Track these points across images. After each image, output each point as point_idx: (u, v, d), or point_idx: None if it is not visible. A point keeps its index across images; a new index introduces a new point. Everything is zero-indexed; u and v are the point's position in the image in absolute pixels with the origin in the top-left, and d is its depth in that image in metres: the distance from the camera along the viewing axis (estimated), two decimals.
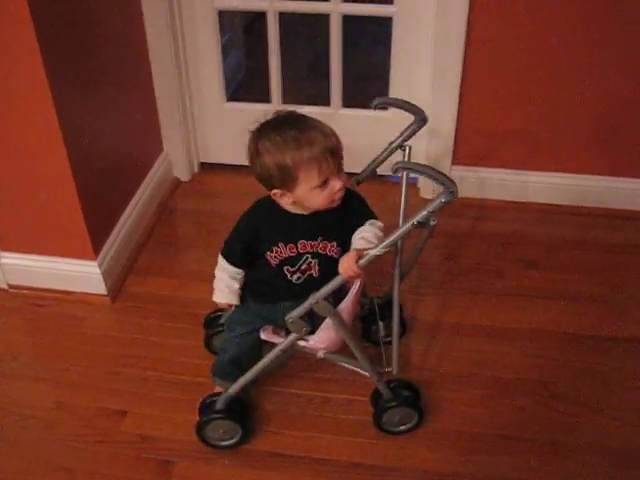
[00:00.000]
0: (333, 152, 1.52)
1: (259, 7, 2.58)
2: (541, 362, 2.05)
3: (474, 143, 2.61)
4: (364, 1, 2.81)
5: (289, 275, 1.68)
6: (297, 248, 1.64)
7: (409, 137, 1.76)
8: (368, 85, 3.27)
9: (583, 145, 2.57)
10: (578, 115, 2.50)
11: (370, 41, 3.58)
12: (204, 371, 1.93)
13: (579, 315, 2.21)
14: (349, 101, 2.71)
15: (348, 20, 2.51)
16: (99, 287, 2.25)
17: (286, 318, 1.61)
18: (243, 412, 1.84)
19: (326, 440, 1.86)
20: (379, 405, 1.85)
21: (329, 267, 1.62)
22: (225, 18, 3.15)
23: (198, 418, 1.82)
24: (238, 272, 1.74)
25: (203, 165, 2.91)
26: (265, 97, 2.73)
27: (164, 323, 2.19)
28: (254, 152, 1.55)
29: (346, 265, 1.52)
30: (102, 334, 2.18)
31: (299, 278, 1.68)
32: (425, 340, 2.12)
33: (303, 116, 1.57)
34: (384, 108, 1.79)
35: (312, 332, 1.67)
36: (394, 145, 1.78)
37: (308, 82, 3.30)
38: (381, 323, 1.93)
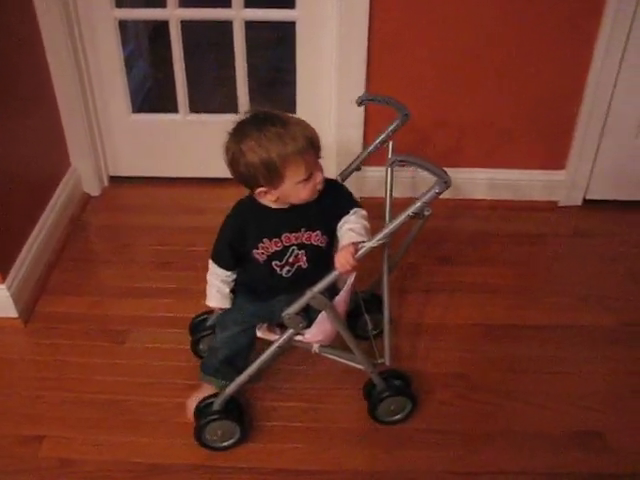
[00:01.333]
0: (314, 145, 1.55)
1: (161, 16, 2.55)
2: (459, 355, 2.09)
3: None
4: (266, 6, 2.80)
5: (278, 270, 1.69)
6: (282, 242, 1.66)
7: (393, 133, 1.79)
8: (276, 90, 3.28)
9: (492, 139, 2.65)
10: (488, 110, 2.58)
11: (276, 46, 3.59)
12: (123, 389, 1.89)
13: (493, 307, 2.27)
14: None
15: (252, 25, 2.50)
16: (9, 310, 2.17)
17: (283, 315, 1.62)
18: (240, 411, 1.84)
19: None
20: (373, 397, 1.87)
21: (317, 256, 1.68)
22: (129, 28, 3.11)
23: (195, 423, 1.81)
24: (229, 275, 1.74)
25: (113, 179, 2.84)
26: (173, 107, 2.70)
27: (80, 342, 2.13)
28: (237, 152, 1.55)
29: (343, 260, 1.53)
30: (16, 358, 2.11)
31: (289, 271, 1.70)
32: None
33: (279, 113, 1.58)
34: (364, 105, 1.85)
35: (307, 327, 1.69)
36: (378, 141, 1.81)
37: (215, 90, 3.28)
38: (367, 316, 1.96)
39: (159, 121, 2.69)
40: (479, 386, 2.01)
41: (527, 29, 2.40)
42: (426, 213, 1.53)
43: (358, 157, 1.86)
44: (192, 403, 1.87)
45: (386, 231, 1.52)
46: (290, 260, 1.69)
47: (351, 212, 1.65)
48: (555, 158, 2.69)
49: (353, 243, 1.55)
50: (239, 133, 1.56)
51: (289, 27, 2.52)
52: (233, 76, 2.61)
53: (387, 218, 1.67)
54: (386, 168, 1.71)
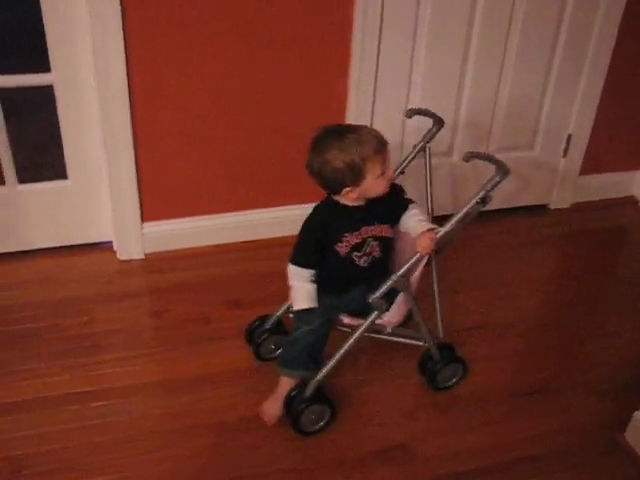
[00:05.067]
0: (383, 144, 1.84)
1: None
2: (259, 397, 2.07)
3: (161, 197, 2.65)
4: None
5: (357, 260, 1.94)
6: (361, 234, 1.91)
7: (430, 139, 2.13)
8: (48, 153, 3.15)
9: (254, 180, 2.73)
10: (243, 154, 2.65)
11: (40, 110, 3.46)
12: None
13: None
14: (26, 174, 2.61)
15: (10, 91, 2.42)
16: None
17: (370, 300, 1.87)
18: (327, 394, 2.01)
19: None
20: (430, 368, 2.16)
21: (386, 246, 1.98)
22: None
23: (289, 414, 1.97)
24: (312, 274, 1.94)
25: None
26: None
27: None
28: (323, 162, 1.82)
29: (425, 244, 1.85)
30: None
31: (366, 261, 1.95)
32: (129, 402, 2.09)
33: (347, 124, 1.98)
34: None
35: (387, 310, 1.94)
36: (418, 147, 2.15)
37: None
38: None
39: None
40: (282, 425, 2.01)
41: (286, 75, 2.53)
42: (488, 200, 1.85)
43: (403, 161, 2.15)
44: (269, 405, 2.01)
45: (457, 217, 1.87)
46: (367, 250, 1.93)
47: (410, 207, 1.97)
48: None
49: (431, 229, 1.86)
50: (320, 147, 1.83)
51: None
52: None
53: (429, 207, 2.12)
54: (425, 164, 2.14)
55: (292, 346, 2.00)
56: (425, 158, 2.16)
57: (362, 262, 1.95)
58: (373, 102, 2.66)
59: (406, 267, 1.88)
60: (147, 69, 2.38)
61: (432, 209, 2.16)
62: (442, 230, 1.87)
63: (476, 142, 2.90)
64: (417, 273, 1.93)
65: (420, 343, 2.13)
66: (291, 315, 2.09)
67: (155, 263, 2.69)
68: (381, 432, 2.05)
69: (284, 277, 2.56)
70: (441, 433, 2.06)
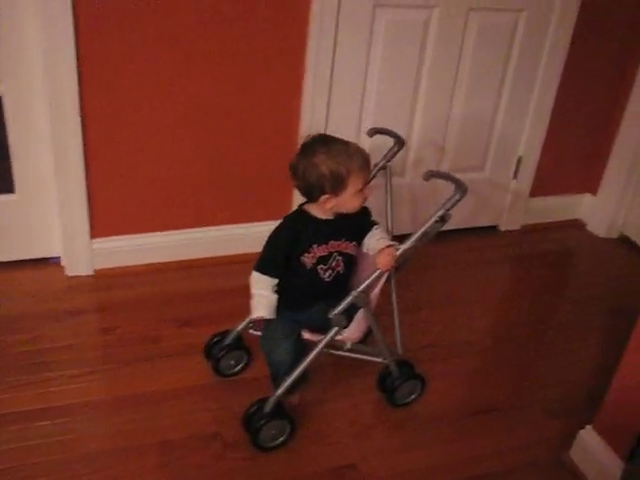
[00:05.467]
0: (368, 163, 1.91)
1: None
2: (209, 415, 2.08)
3: (111, 213, 2.62)
4: None
5: (322, 273, 1.96)
6: (328, 247, 1.94)
7: (390, 159, 2.17)
8: None
9: (206, 198, 2.72)
10: (194, 172, 2.64)
11: None
12: None
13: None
14: None
15: None
16: None
17: (330, 315, 1.89)
18: (286, 410, 2.00)
19: None
20: (389, 385, 2.17)
21: (350, 263, 2.02)
22: None
23: (248, 430, 1.97)
24: (275, 283, 1.94)
25: None
26: None
27: None
28: (309, 166, 1.85)
29: (385, 261, 1.89)
30: None
31: (330, 275, 1.98)
32: (74, 421, 2.04)
33: (334, 136, 1.92)
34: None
35: (346, 326, 1.96)
36: (379, 166, 2.17)
37: None
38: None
39: None
40: (235, 443, 2.00)
41: (240, 93, 2.54)
42: (447, 219, 1.88)
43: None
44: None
45: (416, 236, 1.89)
46: (333, 264, 1.97)
47: (374, 227, 2.02)
48: (283, 207, 2.75)
49: (390, 246, 1.90)
50: (308, 151, 1.87)
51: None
52: None
53: (389, 226, 2.13)
54: (386, 183, 2.17)
55: (280, 368, 1.99)
56: (386, 177, 2.19)
57: (326, 276, 1.97)
58: (326, 119, 2.68)
59: (366, 283, 1.90)
60: (100, 84, 2.36)
61: (392, 228, 2.18)
62: (402, 247, 1.90)
63: (428, 163, 2.93)
64: (377, 290, 1.96)
65: (379, 360, 2.14)
66: (251, 331, 2.11)
67: (104, 280, 2.65)
68: (334, 451, 2.03)
69: (235, 295, 2.57)
70: (393, 452, 2.05)
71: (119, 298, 2.56)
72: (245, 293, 2.61)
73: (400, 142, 2.16)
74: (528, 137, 3.10)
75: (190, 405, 2.12)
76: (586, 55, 2.99)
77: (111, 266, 2.67)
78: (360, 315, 1.97)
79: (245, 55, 2.48)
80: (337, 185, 1.86)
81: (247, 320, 2.15)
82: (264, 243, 1.95)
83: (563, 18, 2.84)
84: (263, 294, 1.94)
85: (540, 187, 3.28)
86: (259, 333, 2.04)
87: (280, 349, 1.97)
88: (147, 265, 2.72)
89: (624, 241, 3.36)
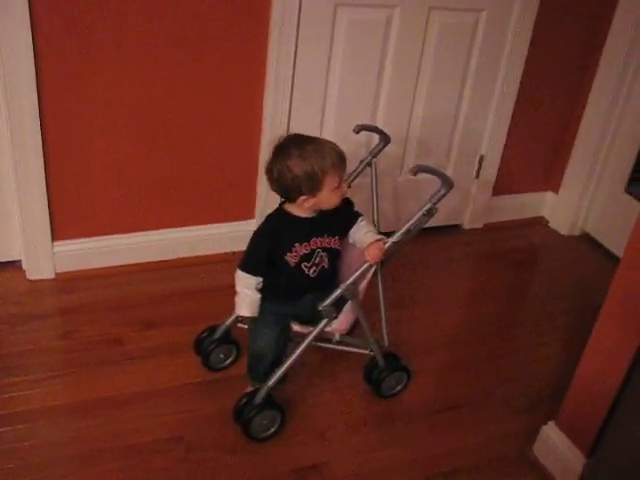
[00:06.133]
0: (342, 159, 1.91)
1: None
2: (173, 418, 2.07)
3: (73, 215, 2.58)
4: None
5: (306, 270, 1.98)
6: (310, 245, 1.96)
7: (376, 155, 2.22)
8: None
9: (167, 200, 2.70)
10: (155, 175, 2.62)
11: None
12: None
13: (201, 363, 2.26)
14: None
15: None
16: None
17: (320, 307, 1.93)
18: (276, 400, 2.04)
19: None
20: (376, 377, 2.21)
21: (334, 258, 2.03)
22: None
23: (239, 421, 2.00)
24: (259, 282, 1.98)
25: None
26: None
27: None
28: (283, 168, 1.86)
29: (374, 254, 1.93)
30: None
31: (315, 271, 1.98)
32: (35, 427, 2.01)
33: (311, 135, 1.93)
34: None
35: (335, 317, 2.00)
36: (365, 162, 2.22)
37: None
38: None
39: None
40: (198, 446, 2.00)
41: (201, 94, 2.52)
42: (434, 212, 1.93)
43: (349, 176, 2.18)
44: None
45: (403, 229, 1.94)
46: (316, 261, 1.98)
47: (359, 220, 2.05)
48: (244, 208, 2.83)
49: (380, 240, 1.95)
50: (282, 153, 1.88)
51: None
52: None
53: (375, 221, 2.18)
54: (371, 179, 2.22)
55: (261, 360, 2.04)
56: (372, 173, 2.23)
57: (311, 272, 1.99)
58: (289, 119, 2.67)
59: (355, 275, 1.95)
60: (59, 86, 2.33)
61: (378, 223, 2.22)
62: (390, 240, 1.94)
63: (391, 162, 2.94)
64: (365, 282, 2.01)
65: (366, 351, 2.19)
66: (240, 324, 2.17)
67: (66, 283, 2.61)
68: (298, 452, 2.03)
69: (197, 296, 2.56)
70: (358, 451, 2.06)
71: (81, 301, 2.53)
72: (208, 294, 2.63)
73: (386, 139, 2.21)
74: (490, 136, 3.12)
75: (154, 408, 2.10)
76: (546, 54, 3.02)
77: (73, 269, 2.64)
78: (348, 307, 2.01)
79: (205, 56, 2.46)
80: (313, 185, 1.87)
81: (235, 315, 2.16)
82: (248, 242, 1.99)
83: (523, 17, 2.87)
84: (247, 293, 1.98)
85: (503, 186, 3.31)
86: (246, 326, 2.12)
87: (262, 342, 2.02)
88: (109, 268, 2.69)
89: (586, 238, 3.40)
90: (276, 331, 2.01)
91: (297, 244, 1.95)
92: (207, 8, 2.38)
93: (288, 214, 1.97)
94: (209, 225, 2.79)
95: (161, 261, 2.76)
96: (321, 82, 2.68)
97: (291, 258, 1.95)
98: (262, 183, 2.73)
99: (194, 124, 2.57)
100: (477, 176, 3.21)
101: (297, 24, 2.50)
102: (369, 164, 2.23)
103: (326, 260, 2.00)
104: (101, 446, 1.95)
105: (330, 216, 1.98)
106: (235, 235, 2.80)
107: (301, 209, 1.94)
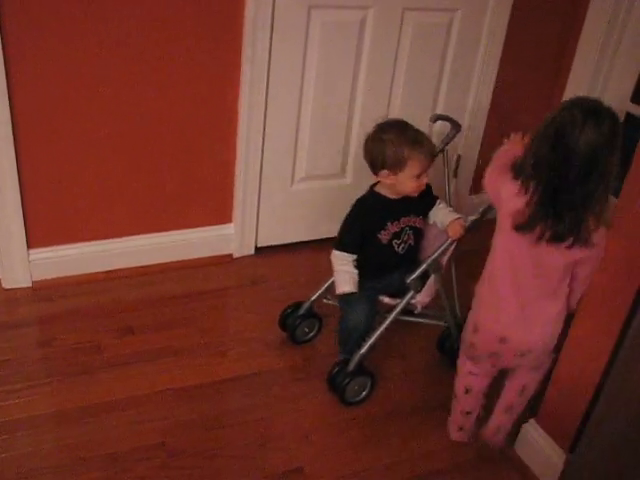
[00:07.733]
0: (432, 156, 2.10)
1: None
2: (153, 425, 2.07)
3: (48, 223, 2.56)
4: None
5: (396, 247, 2.18)
6: (400, 224, 2.16)
7: (447, 143, 2.34)
8: None
9: (144, 206, 2.68)
10: (133, 180, 2.61)
11: None
12: None
13: (182, 369, 2.28)
14: None
15: None
16: None
17: (407, 281, 2.10)
18: (367, 367, 2.22)
19: None
20: (449, 346, 2.39)
21: (419, 236, 2.24)
22: None
23: (335, 388, 2.18)
24: (354, 259, 2.16)
25: None
26: None
27: None
28: (378, 140, 2.07)
29: (455, 230, 2.11)
30: None
31: (403, 248, 2.20)
32: (16, 437, 1.99)
33: (412, 125, 2.11)
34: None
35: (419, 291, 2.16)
36: (437, 150, 2.27)
37: None
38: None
39: None
40: (179, 452, 1.99)
41: (174, 94, 2.50)
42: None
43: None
44: None
45: (482, 208, 2.06)
46: (405, 238, 2.18)
47: (438, 202, 2.25)
48: (222, 212, 2.81)
49: (461, 218, 2.13)
50: (385, 127, 2.09)
51: None
52: None
53: (448, 202, 2.29)
54: (444, 165, 2.32)
55: (352, 333, 2.20)
56: (444, 159, 2.33)
57: (400, 249, 2.19)
58: (264, 123, 2.67)
59: (440, 250, 2.12)
60: (32, 92, 2.30)
61: (452, 205, 2.32)
62: (470, 218, 2.10)
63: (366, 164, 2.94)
64: (446, 257, 2.17)
65: (441, 323, 2.37)
66: (325, 300, 2.38)
67: (43, 291, 2.59)
68: (280, 456, 2.03)
69: (175, 302, 2.55)
70: (340, 453, 2.06)
71: (59, 309, 2.51)
72: (186, 299, 2.62)
73: (457, 127, 2.33)
74: (467, 135, 3.13)
75: (135, 415, 2.10)
76: (520, 53, 3.03)
77: (50, 277, 2.62)
78: (431, 280, 2.17)
79: (179, 61, 2.45)
80: (396, 165, 2.04)
81: (319, 292, 2.39)
82: (341, 224, 2.19)
83: (497, 16, 2.88)
84: (347, 270, 2.15)
85: (480, 185, 3.31)
86: (331, 302, 2.36)
87: (356, 316, 2.17)
88: (86, 275, 2.67)
89: None
90: (368, 306, 2.18)
91: (389, 223, 2.14)
92: (179, 11, 2.37)
93: (379, 195, 2.16)
94: (187, 230, 2.78)
95: (139, 267, 2.74)
96: (296, 85, 2.67)
97: (384, 236, 2.15)
98: (240, 187, 2.73)
99: (169, 129, 2.56)
100: (455, 175, 3.22)
101: (271, 27, 2.49)
102: (442, 151, 2.32)
103: (412, 238, 2.21)
104: (82, 455, 1.95)
105: (414, 199, 2.15)
106: (213, 239, 2.80)
107: (388, 189, 2.13)
